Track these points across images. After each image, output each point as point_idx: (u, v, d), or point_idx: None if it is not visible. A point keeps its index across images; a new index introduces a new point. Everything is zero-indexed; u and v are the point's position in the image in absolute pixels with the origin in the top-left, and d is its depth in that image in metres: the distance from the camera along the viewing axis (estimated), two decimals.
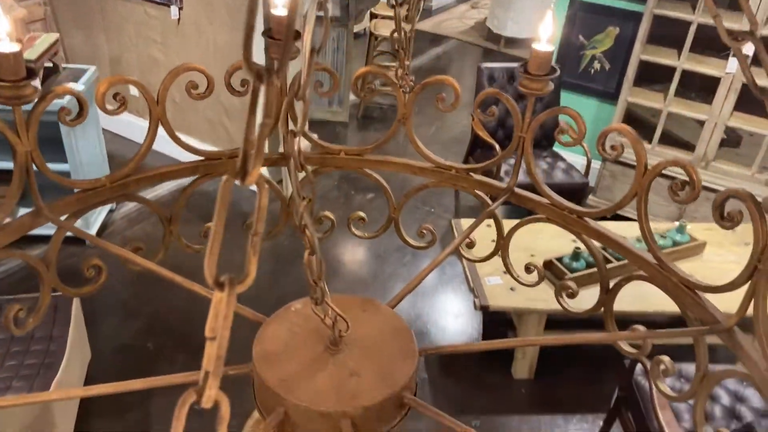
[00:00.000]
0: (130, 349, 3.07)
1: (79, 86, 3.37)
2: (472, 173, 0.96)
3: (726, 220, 0.75)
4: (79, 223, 3.40)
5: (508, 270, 1.01)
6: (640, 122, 4.21)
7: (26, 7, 4.22)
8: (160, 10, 4.04)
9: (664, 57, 3.78)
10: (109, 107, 0.83)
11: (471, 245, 1.04)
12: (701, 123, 3.78)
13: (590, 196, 4.20)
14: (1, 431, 2.16)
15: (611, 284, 0.94)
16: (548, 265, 3.03)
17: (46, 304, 0.83)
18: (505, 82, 4.08)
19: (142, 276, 3.82)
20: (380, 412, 0.74)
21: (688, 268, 3.19)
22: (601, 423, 2.81)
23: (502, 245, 1.00)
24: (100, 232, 3.78)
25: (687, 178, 0.82)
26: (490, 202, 0.97)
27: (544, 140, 4.23)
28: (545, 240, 3.31)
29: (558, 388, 3.07)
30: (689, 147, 3.92)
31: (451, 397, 2.96)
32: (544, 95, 0.85)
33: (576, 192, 3.92)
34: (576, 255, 2.98)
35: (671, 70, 3.74)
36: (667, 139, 4.02)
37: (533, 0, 6.70)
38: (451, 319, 3.43)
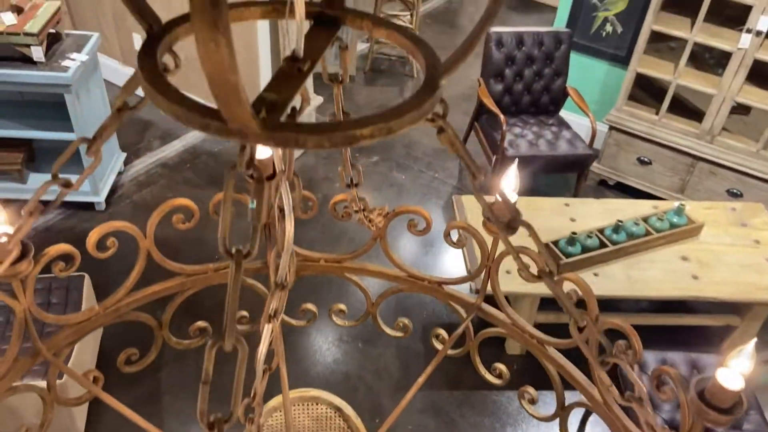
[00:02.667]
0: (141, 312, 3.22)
1: (82, 56, 3.37)
2: (443, 285, 1.02)
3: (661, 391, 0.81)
4: (87, 188, 3.56)
5: (476, 366, 1.08)
6: (651, 86, 4.15)
7: None
8: None
9: (677, 27, 3.68)
10: (100, 253, 0.88)
11: (443, 341, 1.12)
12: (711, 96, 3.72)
13: (594, 164, 4.20)
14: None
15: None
16: (545, 247, 3.10)
17: None
18: (514, 47, 4.01)
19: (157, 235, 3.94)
20: None
21: (682, 250, 3.25)
22: None
23: (471, 345, 1.07)
24: (110, 195, 3.87)
25: None
26: (463, 314, 1.03)
27: (551, 105, 4.19)
28: (544, 217, 3.36)
29: None
30: (698, 116, 3.88)
31: (444, 372, 3.11)
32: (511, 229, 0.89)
33: (580, 163, 3.93)
34: (572, 240, 3.04)
35: (684, 40, 3.65)
36: (678, 107, 3.97)
37: None
38: (449, 265, 3.57)
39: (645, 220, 3.17)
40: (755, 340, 0.72)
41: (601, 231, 3.13)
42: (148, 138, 4.39)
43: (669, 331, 3.28)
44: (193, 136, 4.39)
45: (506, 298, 3.39)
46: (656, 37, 3.80)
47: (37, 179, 3.76)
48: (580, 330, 0.79)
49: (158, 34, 0.54)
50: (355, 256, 1.02)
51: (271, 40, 3.96)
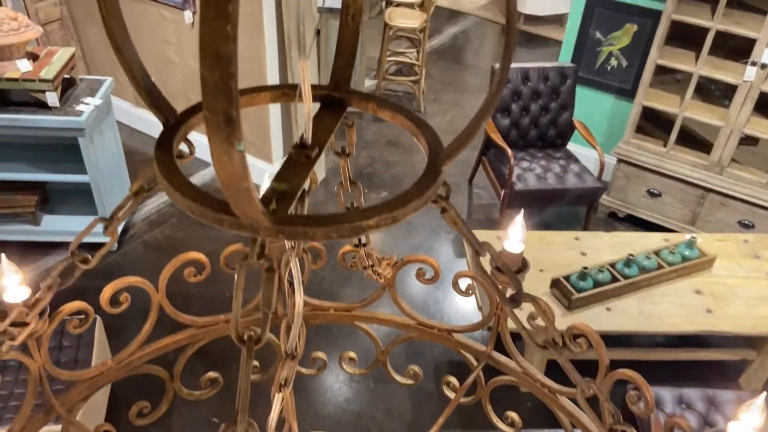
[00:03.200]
0: (152, 361, 3.21)
1: (96, 100, 3.44)
2: (453, 333, 1.02)
3: None
4: (99, 229, 3.55)
5: (488, 415, 1.07)
6: (658, 118, 4.17)
7: (43, 8, 4.26)
8: (174, 13, 4.05)
9: (681, 61, 3.71)
10: (112, 308, 0.90)
11: (455, 389, 1.11)
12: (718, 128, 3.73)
13: (604, 196, 4.20)
14: None
15: None
16: (556, 283, 3.09)
17: None
18: (520, 82, 4.05)
19: (169, 284, 3.96)
20: None
21: (695, 283, 3.22)
22: None
23: (482, 394, 1.07)
24: (122, 235, 3.91)
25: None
26: (474, 362, 1.03)
27: (558, 139, 4.22)
28: (555, 251, 3.35)
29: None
30: (707, 147, 3.89)
31: (457, 411, 3.07)
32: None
33: (589, 195, 3.93)
34: (583, 274, 3.03)
35: (689, 73, 3.68)
36: (685, 138, 3.98)
37: None
38: (461, 308, 3.55)
39: (656, 253, 3.15)
40: (765, 394, 0.72)
41: (613, 265, 3.12)
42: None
43: (684, 366, 3.23)
44: (203, 175, 4.44)
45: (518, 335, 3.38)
46: (661, 70, 3.83)
47: (50, 221, 3.81)
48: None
49: (174, 125, 0.56)
50: (364, 305, 1.03)
51: (282, 118, 4.04)
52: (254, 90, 0.60)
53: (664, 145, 3.94)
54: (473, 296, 3.21)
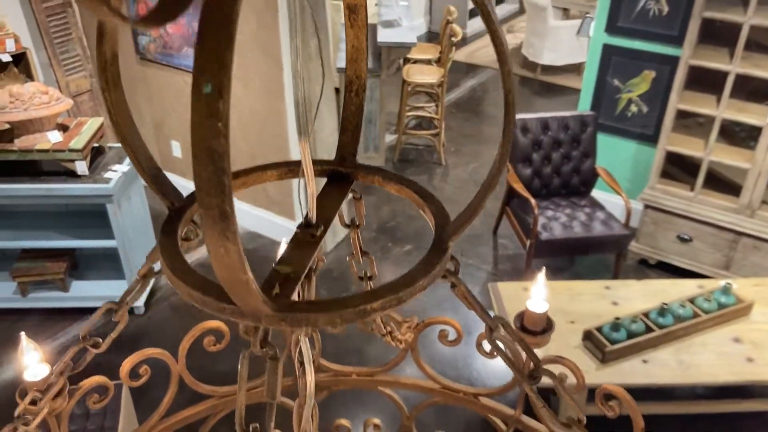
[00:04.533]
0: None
1: (123, 167, 3.52)
2: (480, 397, 0.99)
3: None
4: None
5: None
6: (683, 162, 4.12)
7: (74, 80, 4.43)
8: None
9: (702, 105, 3.69)
10: (132, 381, 0.88)
11: None
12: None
13: (633, 243, 4.13)
14: None
15: None
16: (588, 335, 3.00)
17: None
18: (540, 132, 4.06)
19: (191, 349, 3.96)
20: None
21: (734, 331, 3.12)
22: None
23: None
24: (149, 297, 3.93)
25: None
26: (503, 426, 0.99)
27: (582, 186, 4.18)
28: (585, 301, 3.28)
29: None
30: (736, 190, 3.81)
31: None
32: (542, 346, 0.87)
33: (617, 243, 3.86)
34: (616, 325, 2.94)
35: (711, 116, 3.65)
36: (713, 181, 3.91)
37: (568, 29, 6.62)
38: (491, 362, 3.43)
39: (691, 301, 3.06)
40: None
41: (646, 314, 3.03)
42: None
43: (727, 418, 3.09)
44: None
45: (551, 392, 3.27)
46: (684, 114, 3.81)
47: (79, 287, 3.85)
48: None
49: (179, 210, 0.56)
50: (387, 369, 1.00)
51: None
52: (261, 168, 0.61)
53: (692, 189, 3.88)
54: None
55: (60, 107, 3.26)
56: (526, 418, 0.99)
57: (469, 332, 3.75)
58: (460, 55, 7.51)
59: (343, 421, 1.07)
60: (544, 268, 0.82)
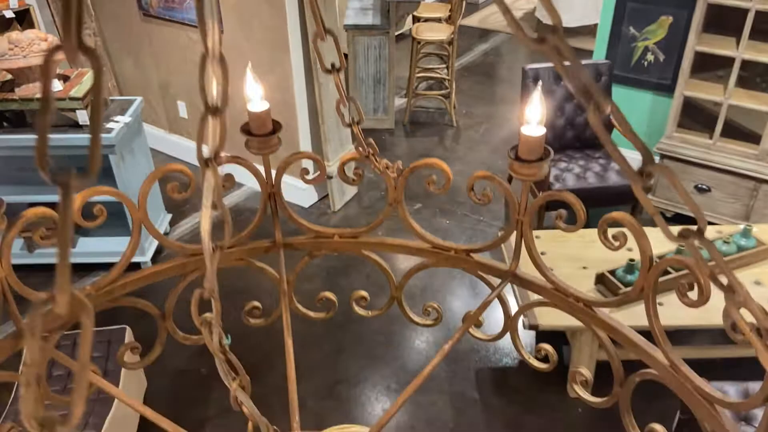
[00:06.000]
0: (184, 375, 3.13)
1: (126, 118, 3.47)
2: (471, 254, 0.90)
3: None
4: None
5: (518, 350, 0.94)
6: (699, 113, 3.98)
7: None
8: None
9: (721, 47, 3.54)
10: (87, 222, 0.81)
11: (478, 324, 0.98)
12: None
13: (649, 195, 3.99)
14: None
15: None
16: (601, 278, 2.91)
17: None
18: (552, 82, 3.93)
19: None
20: None
21: (755, 274, 2.99)
22: None
23: (510, 326, 0.94)
24: (156, 254, 3.89)
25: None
26: (493, 284, 0.90)
27: (596, 139, 4.06)
28: (599, 248, 3.16)
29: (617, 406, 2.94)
30: (755, 138, 3.67)
31: (502, 419, 2.88)
32: (539, 179, 0.78)
33: (633, 193, 3.74)
34: (630, 267, 2.84)
35: (731, 59, 3.51)
36: (731, 130, 3.77)
37: None
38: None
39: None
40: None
41: (662, 257, 2.92)
42: (194, 199, 4.44)
43: (749, 361, 2.98)
44: (236, 196, 4.42)
45: (563, 334, 3.18)
46: (701, 65, 3.66)
47: (85, 243, 3.82)
48: None
49: None
50: (371, 228, 0.92)
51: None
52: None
53: (710, 137, 3.75)
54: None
55: (60, 55, 3.19)
56: (521, 272, 0.90)
57: (476, 294, 3.62)
58: (472, 20, 7.36)
59: (328, 294, 0.99)
60: (539, 83, 0.74)
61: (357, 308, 1.01)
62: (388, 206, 0.90)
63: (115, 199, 0.85)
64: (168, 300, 0.93)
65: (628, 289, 2.75)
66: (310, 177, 0.92)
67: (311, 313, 1.00)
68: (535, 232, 3.55)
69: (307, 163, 3.99)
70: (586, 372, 0.90)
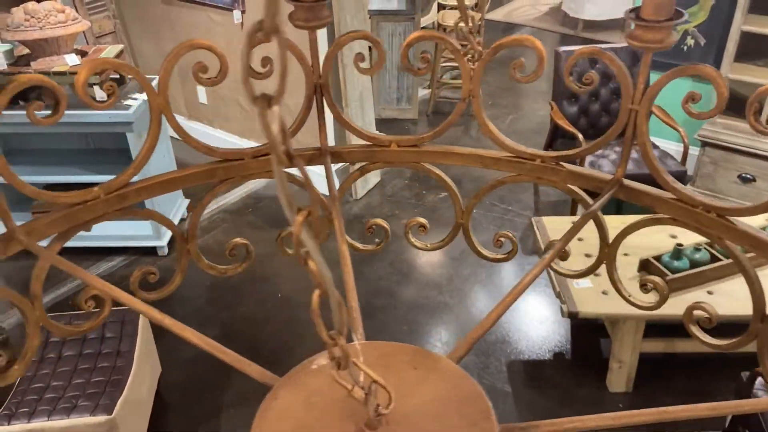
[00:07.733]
0: (201, 360, 2.98)
1: (144, 95, 3.34)
2: (562, 162, 0.74)
3: None
4: (149, 232, 3.44)
5: (618, 289, 0.77)
6: (742, 100, 3.78)
7: (97, 21, 4.28)
8: (223, 15, 3.98)
9: None
10: (99, 96, 0.66)
11: (564, 257, 0.82)
12: None
13: (689, 186, 3.80)
14: None
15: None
16: (645, 264, 2.72)
17: (34, 348, 0.67)
18: (587, 66, 3.75)
19: (214, 284, 3.78)
20: None
21: None
22: None
23: (607, 255, 0.77)
24: (172, 241, 3.75)
25: None
26: (589, 200, 0.74)
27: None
28: (641, 234, 2.97)
29: (660, 402, 2.74)
30: None
31: (537, 413, 2.70)
32: (664, 49, 0.62)
33: None
34: (677, 252, 2.65)
35: None
36: None
37: None
38: (536, 325, 3.16)
39: (763, 230, 2.75)
40: None
41: (710, 244, 2.73)
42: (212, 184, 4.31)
43: None
44: (255, 183, 4.28)
45: (603, 325, 2.99)
46: (744, 52, 3.47)
47: (101, 227, 3.68)
48: None
49: None
50: (436, 134, 0.76)
51: None
52: None
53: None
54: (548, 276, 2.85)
55: (77, 27, 3.08)
56: (628, 182, 0.74)
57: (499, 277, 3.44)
58: (497, 14, 7.21)
59: (379, 221, 0.83)
60: None
61: (413, 239, 0.84)
62: (461, 102, 0.74)
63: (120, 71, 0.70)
64: (192, 215, 0.77)
65: (678, 275, 2.58)
66: (364, 65, 0.77)
67: (359, 245, 0.84)
68: (570, 218, 3.37)
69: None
70: (710, 308, 0.72)
